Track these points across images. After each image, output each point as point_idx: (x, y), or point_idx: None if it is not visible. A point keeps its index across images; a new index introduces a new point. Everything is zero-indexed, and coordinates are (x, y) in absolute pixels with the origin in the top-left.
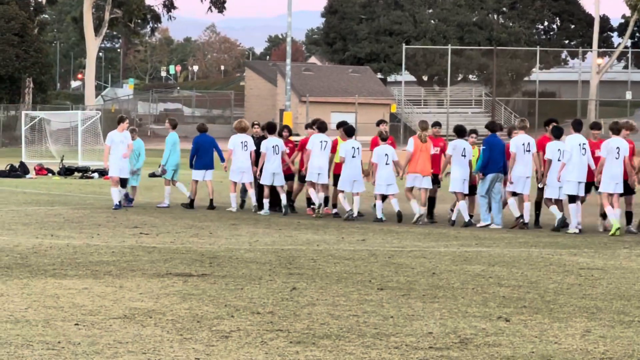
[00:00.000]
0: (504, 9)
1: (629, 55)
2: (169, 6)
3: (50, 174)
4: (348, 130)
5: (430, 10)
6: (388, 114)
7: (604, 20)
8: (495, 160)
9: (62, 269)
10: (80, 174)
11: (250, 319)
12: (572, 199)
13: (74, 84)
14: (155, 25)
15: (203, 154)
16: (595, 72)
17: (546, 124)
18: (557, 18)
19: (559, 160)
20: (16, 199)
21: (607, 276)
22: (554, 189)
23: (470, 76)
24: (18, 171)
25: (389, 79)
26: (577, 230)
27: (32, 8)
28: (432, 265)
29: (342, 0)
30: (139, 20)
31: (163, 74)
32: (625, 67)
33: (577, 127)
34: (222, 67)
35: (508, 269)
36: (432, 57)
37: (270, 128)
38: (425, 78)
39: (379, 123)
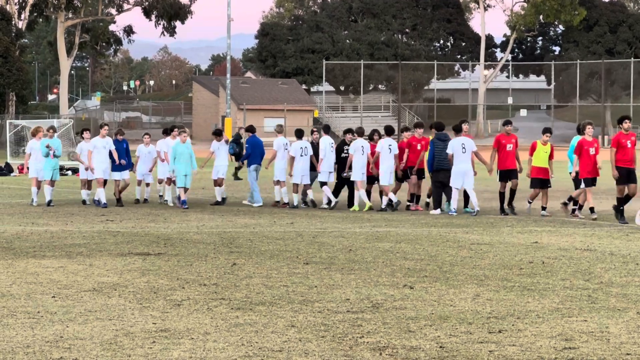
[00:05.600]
0: (407, 30)
1: (510, 67)
2: (129, 31)
3: None
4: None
5: (346, 32)
6: (312, 118)
7: (489, 38)
8: (255, 155)
9: (41, 251)
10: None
11: (198, 290)
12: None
13: (50, 97)
14: (118, 47)
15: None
16: (482, 82)
17: (619, 121)
18: (451, 37)
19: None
20: (2, 194)
21: (493, 250)
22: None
23: (380, 86)
24: (4, 170)
25: (312, 89)
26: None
27: (13, 34)
28: (349, 243)
29: (272, 24)
30: (104, 44)
31: (125, 87)
32: (507, 77)
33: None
34: (174, 82)
35: (412, 245)
36: (348, 70)
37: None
38: (342, 88)
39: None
